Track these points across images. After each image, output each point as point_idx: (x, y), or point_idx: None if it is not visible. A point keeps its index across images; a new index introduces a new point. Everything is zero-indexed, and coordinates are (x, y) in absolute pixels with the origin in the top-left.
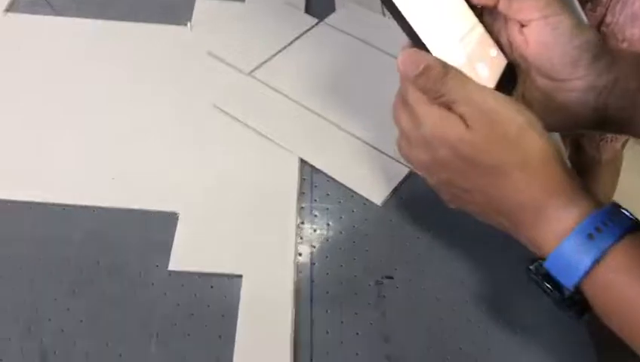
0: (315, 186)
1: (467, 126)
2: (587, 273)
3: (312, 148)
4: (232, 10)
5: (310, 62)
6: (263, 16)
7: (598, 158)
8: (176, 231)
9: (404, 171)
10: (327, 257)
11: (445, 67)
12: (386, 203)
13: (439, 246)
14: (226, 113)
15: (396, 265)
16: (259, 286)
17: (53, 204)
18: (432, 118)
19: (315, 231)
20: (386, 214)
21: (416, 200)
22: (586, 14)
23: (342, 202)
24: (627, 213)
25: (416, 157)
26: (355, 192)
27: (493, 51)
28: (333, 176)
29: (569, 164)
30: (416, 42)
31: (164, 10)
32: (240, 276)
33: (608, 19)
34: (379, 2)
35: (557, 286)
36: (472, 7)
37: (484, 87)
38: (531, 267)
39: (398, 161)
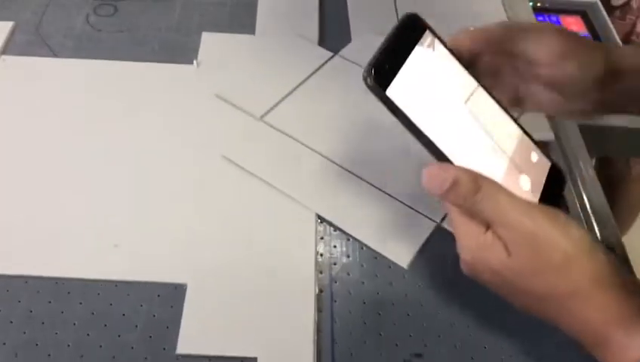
0: (334, 247)
1: (508, 252)
2: None
3: (330, 203)
4: (241, 43)
5: (326, 103)
6: (273, 50)
7: (627, 172)
8: (185, 307)
9: (431, 226)
10: (350, 333)
11: (476, 181)
12: (412, 264)
13: (474, 315)
14: (236, 165)
15: (426, 340)
16: None
17: (48, 278)
18: (469, 241)
19: (335, 301)
20: (412, 277)
21: (446, 259)
22: (614, 23)
23: (364, 265)
24: None
25: (464, 270)
26: (377, 253)
27: (535, 156)
28: (354, 235)
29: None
30: (442, 158)
31: (168, 48)
32: (254, 359)
33: (639, 28)
34: None
35: None
36: (506, 110)
37: (520, 205)
38: None
39: (423, 214)
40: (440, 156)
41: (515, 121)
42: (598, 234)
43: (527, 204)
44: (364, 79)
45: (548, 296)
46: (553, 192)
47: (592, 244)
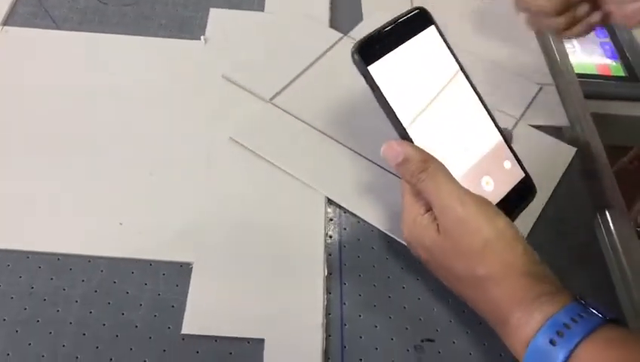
0: (344, 229)
1: (439, 233)
2: None
3: (341, 186)
4: (250, 20)
5: (336, 85)
6: (283, 29)
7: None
8: (190, 286)
9: None
10: (359, 316)
11: (424, 161)
12: None
13: None
14: (244, 147)
15: (437, 325)
16: (283, 352)
17: (50, 254)
18: (409, 217)
19: (345, 284)
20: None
21: None
22: None
23: (375, 248)
24: (591, 310)
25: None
26: (389, 236)
27: (508, 163)
28: (365, 219)
29: (538, 259)
30: (406, 138)
31: (175, 23)
32: (262, 340)
33: None
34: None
35: None
36: (493, 119)
37: (456, 191)
38: None
39: None
40: (404, 135)
41: (501, 132)
42: (611, 224)
43: (463, 191)
44: (352, 53)
45: (466, 276)
46: (516, 201)
47: (513, 236)
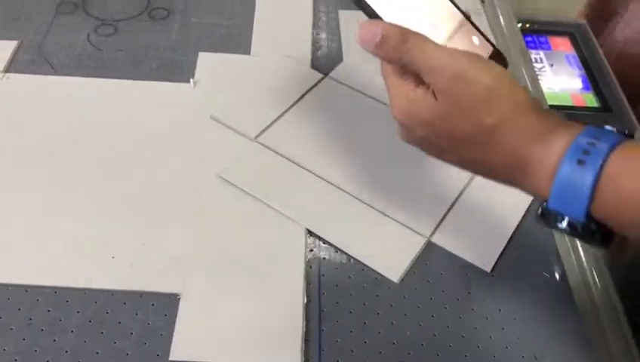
0: (324, 259)
1: (435, 98)
2: (591, 198)
3: (320, 218)
4: (237, 63)
5: (317, 123)
6: (267, 71)
7: None
8: (178, 316)
9: (421, 242)
10: (337, 341)
11: (404, 34)
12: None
13: (457, 327)
14: (231, 183)
15: (410, 348)
16: None
17: (48, 287)
18: (400, 99)
19: (323, 310)
20: (398, 290)
21: (432, 274)
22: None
23: (352, 277)
24: (609, 128)
25: (400, 135)
26: (365, 265)
27: (476, 39)
28: (342, 248)
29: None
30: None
31: (166, 67)
32: None
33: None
34: None
35: (570, 222)
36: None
37: (444, 49)
38: (539, 212)
39: (413, 230)
40: (373, 15)
41: (459, 8)
42: (582, 253)
43: (452, 49)
44: None
45: (474, 133)
46: None
47: (512, 80)
